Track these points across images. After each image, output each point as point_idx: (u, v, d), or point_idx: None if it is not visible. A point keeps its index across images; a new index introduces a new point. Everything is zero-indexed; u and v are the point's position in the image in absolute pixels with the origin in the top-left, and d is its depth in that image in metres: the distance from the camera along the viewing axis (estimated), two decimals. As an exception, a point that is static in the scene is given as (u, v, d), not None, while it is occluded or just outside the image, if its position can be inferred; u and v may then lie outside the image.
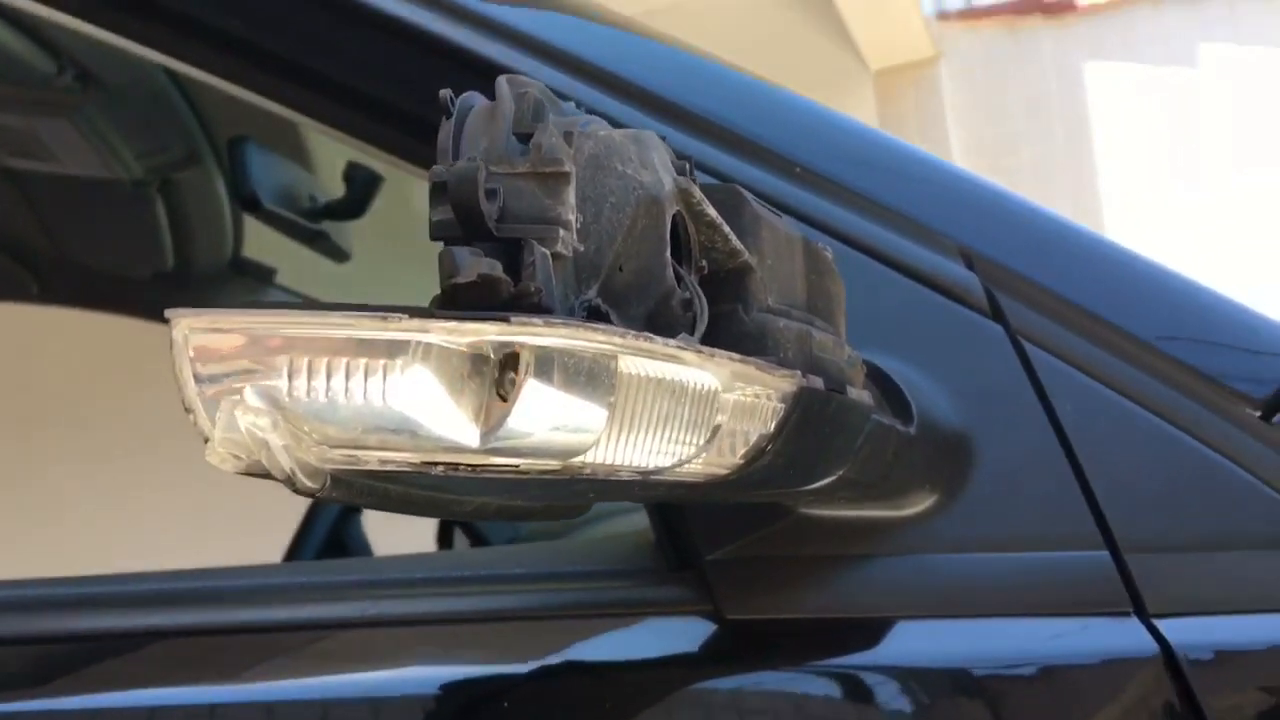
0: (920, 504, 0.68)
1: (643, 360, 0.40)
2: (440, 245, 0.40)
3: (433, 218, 0.40)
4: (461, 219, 0.39)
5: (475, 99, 0.46)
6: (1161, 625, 0.66)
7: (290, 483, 0.37)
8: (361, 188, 1.78)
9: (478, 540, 1.96)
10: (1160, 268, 0.81)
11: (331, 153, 1.84)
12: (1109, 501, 0.69)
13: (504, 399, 0.37)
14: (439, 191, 0.40)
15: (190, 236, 1.86)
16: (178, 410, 0.38)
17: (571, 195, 0.40)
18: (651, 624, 0.66)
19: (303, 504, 1.94)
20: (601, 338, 0.37)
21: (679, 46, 0.88)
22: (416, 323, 0.36)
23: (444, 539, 2.22)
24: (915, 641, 0.66)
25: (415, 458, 0.37)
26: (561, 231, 0.40)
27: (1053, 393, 0.72)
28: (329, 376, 0.36)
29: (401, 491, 0.40)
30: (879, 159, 0.82)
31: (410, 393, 0.36)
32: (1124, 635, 0.66)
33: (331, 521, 1.99)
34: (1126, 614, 0.66)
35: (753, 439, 0.47)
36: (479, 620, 0.65)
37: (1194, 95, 5.26)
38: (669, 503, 0.64)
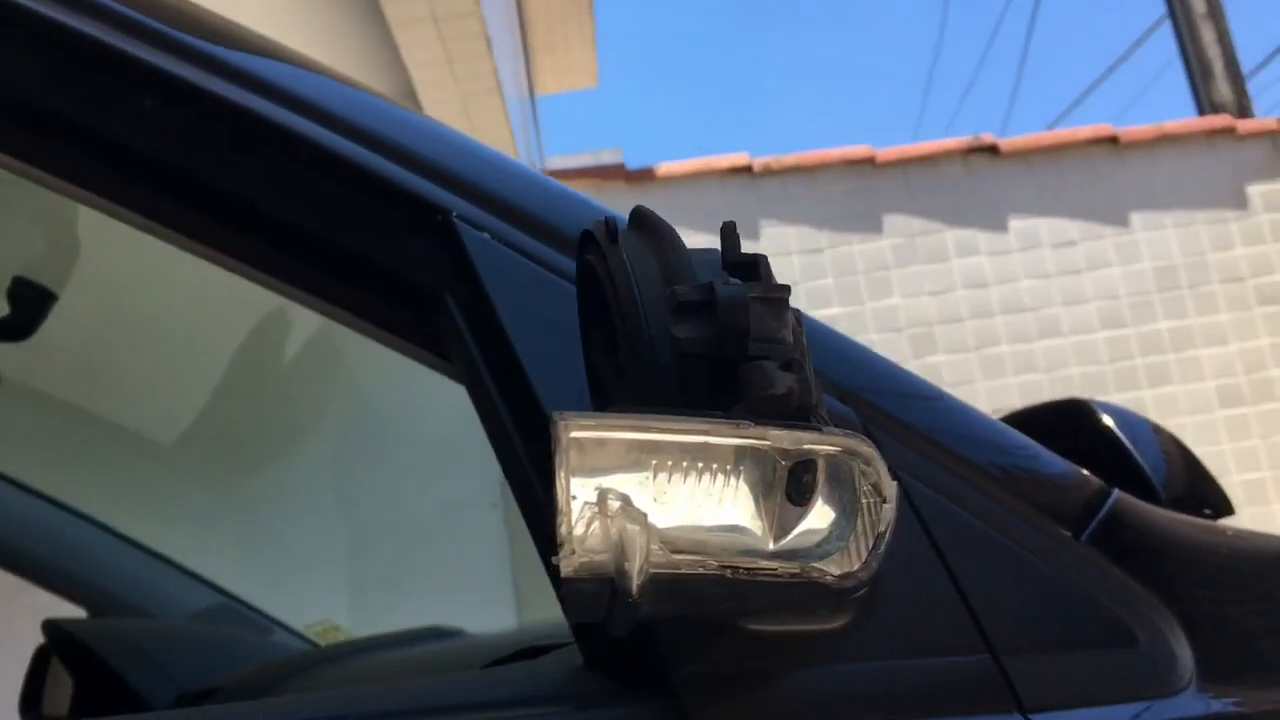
0: (841, 617, 0.74)
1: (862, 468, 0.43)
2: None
3: (680, 334, 0.41)
4: (725, 337, 0.41)
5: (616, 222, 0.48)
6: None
7: (626, 588, 0.37)
8: (30, 306, 1.62)
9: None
10: (961, 402, 0.94)
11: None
12: (982, 612, 0.78)
13: (794, 504, 0.39)
14: (689, 310, 0.41)
15: None
16: None
17: (789, 316, 0.44)
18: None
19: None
20: (865, 448, 0.41)
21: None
22: (757, 430, 0.37)
23: (30, 704, 1.98)
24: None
25: (715, 562, 0.38)
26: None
27: (926, 515, 0.81)
28: (685, 479, 0.36)
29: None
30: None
31: (741, 495, 0.37)
32: (1013, 732, 0.75)
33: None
34: (1010, 712, 0.75)
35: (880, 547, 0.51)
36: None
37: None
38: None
